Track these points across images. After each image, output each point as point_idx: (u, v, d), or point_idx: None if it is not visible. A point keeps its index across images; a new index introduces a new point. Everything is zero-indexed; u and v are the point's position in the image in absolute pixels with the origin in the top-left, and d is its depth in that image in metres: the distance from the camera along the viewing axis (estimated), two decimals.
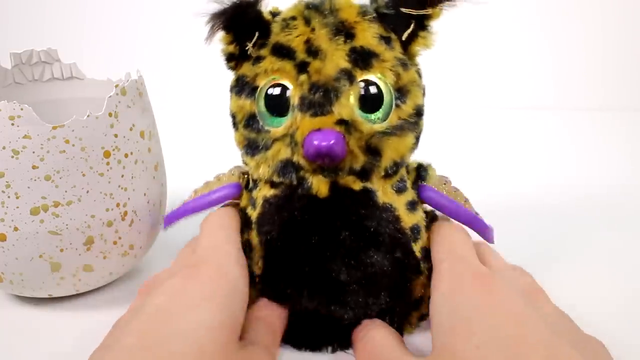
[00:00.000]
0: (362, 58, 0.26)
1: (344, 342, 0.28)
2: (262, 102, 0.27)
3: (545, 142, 0.75)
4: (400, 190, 0.28)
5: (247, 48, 0.28)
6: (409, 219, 0.28)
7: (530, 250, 0.39)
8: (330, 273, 0.26)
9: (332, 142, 0.24)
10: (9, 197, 0.28)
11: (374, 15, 0.27)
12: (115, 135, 0.31)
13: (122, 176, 0.31)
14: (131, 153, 0.32)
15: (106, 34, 1.00)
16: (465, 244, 0.27)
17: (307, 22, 0.27)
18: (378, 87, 0.26)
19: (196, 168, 0.63)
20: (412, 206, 0.28)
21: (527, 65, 0.91)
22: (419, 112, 0.28)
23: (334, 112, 0.25)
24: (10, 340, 0.31)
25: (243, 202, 0.30)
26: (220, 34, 0.28)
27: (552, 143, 0.75)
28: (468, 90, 0.92)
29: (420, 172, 0.30)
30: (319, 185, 0.27)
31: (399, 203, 0.28)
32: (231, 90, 0.29)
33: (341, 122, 0.25)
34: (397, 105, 0.27)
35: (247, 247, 0.28)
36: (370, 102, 0.26)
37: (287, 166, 0.27)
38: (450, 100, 0.91)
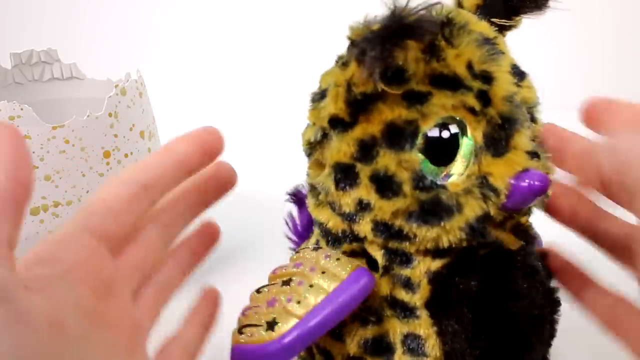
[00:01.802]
0: (519, 78, 0.23)
1: None
2: (424, 150, 0.21)
3: None
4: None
5: (377, 84, 0.20)
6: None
7: None
8: (526, 336, 0.21)
9: (543, 180, 0.20)
10: None
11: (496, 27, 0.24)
12: (115, 136, 0.31)
13: None
14: (131, 153, 0.32)
15: (106, 34, 1.00)
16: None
17: (449, 42, 0.21)
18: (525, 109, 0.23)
19: None
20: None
21: (527, 65, 0.90)
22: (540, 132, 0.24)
23: (517, 146, 0.21)
24: None
25: (383, 288, 0.22)
26: (363, 68, 0.19)
27: None
28: None
29: None
30: (506, 236, 0.22)
31: (532, 225, 0.25)
32: (376, 144, 0.21)
33: (531, 155, 0.21)
34: (529, 127, 0.23)
35: (407, 342, 0.22)
36: (528, 126, 0.22)
37: (483, 223, 0.21)
38: None
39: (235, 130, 0.88)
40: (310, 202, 0.24)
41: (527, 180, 0.20)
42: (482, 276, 0.21)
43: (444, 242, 0.21)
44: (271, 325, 0.20)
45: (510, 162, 0.21)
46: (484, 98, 0.21)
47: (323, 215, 0.23)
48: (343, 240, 0.23)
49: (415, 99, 0.21)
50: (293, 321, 0.20)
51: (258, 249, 0.42)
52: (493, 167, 0.21)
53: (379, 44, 0.19)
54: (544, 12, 0.25)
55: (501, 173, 0.21)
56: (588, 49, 0.92)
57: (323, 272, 0.21)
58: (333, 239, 0.23)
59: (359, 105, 0.21)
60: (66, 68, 0.41)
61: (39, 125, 0.28)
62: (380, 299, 0.22)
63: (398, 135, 0.21)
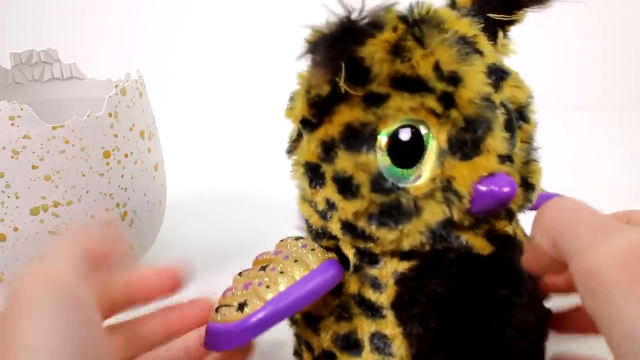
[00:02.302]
0: (497, 78, 0.22)
1: None
2: (386, 153, 0.21)
3: (544, 142, 0.76)
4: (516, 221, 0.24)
5: (339, 85, 0.20)
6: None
7: None
8: (499, 340, 0.21)
9: (509, 186, 0.20)
10: (8, 197, 0.28)
11: (480, 24, 0.23)
12: (115, 136, 0.31)
13: (122, 176, 0.31)
14: (131, 153, 0.32)
15: (106, 34, 1.00)
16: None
17: (420, 42, 0.21)
18: (509, 109, 0.22)
19: (196, 168, 0.63)
20: (525, 234, 0.24)
21: (528, 65, 0.90)
22: (536, 131, 0.24)
23: (489, 149, 0.20)
24: None
25: (352, 286, 0.23)
26: (315, 71, 0.20)
27: (551, 143, 0.75)
28: None
29: None
30: (477, 241, 0.21)
31: (521, 235, 0.24)
32: (334, 145, 0.21)
33: (503, 159, 0.20)
34: (519, 127, 0.23)
35: (374, 341, 0.22)
36: (511, 128, 0.22)
37: (446, 227, 0.21)
38: None
39: (236, 130, 0.88)
40: (297, 197, 0.24)
41: (490, 186, 0.20)
42: (449, 280, 0.21)
43: (405, 246, 0.21)
44: (241, 306, 0.21)
45: (476, 166, 0.20)
46: (448, 100, 0.20)
47: (306, 211, 0.23)
48: (322, 236, 0.23)
49: (373, 101, 0.21)
50: (259, 304, 0.21)
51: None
52: (457, 170, 0.20)
53: (324, 48, 0.18)
54: (547, 6, 0.24)
55: (465, 177, 0.20)
56: (588, 49, 0.91)
57: (296, 261, 0.22)
58: (314, 234, 0.24)
59: (322, 107, 0.21)
60: (66, 68, 0.41)
61: (39, 125, 0.28)
62: (349, 297, 0.22)
63: (355, 138, 0.21)
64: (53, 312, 0.17)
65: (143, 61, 0.91)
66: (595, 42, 0.90)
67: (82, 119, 0.29)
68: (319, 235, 0.23)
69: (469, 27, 0.22)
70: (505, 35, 0.24)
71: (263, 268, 0.23)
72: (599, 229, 0.17)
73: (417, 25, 0.21)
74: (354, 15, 0.18)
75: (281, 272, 0.22)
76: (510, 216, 0.22)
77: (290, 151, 0.24)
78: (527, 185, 0.22)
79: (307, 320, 0.24)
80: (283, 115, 0.24)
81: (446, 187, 0.20)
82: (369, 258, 0.22)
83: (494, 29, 0.24)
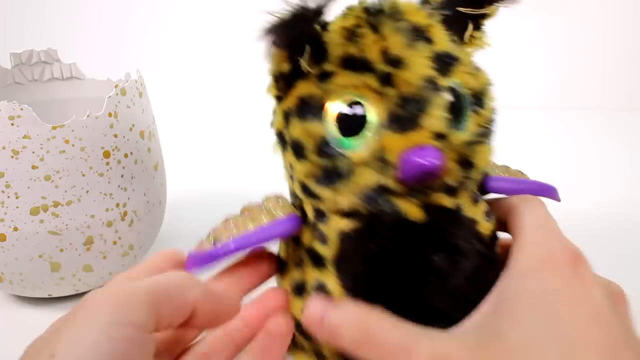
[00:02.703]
0: (444, 63, 0.24)
1: None
2: (333, 123, 0.24)
3: (544, 142, 0.75)
4: (476, 201, 0.26)
5: (299, 64, 0.24)
6: (488, 228, 0.26)
7: None
8: (428, 304, 0.23)
9: (436, 159, 0.22)
10: (8, 197, 0.28)
11: (440, 16, 0.25)
12: (115, 136, 0.31)
13: (122, 176, 0.31)
14: (131, 153, 0.32)
15: (106, 34, 1.00)
16: (549, 217, 0.24)
17: (374, 28, 0.24)
18: (460, 93, 0.24)
19: (196, 168, 0.63)
20: (488, 215, 0.26)
21: (527, 65, 0.91)
22: (494, 116, 0.26)
23: (425, 125, 0.23)
24: (10, 340, 0.31)
25: (306, 238, 0.26)
26: (274, 51, 0.24)
27: (551, 143, 0.75)
28: None
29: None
30: (410, 208, 0.24)
31: (479, 214, 0.26)
32: (289, 114, 0.25)
33: (436, 135, 0.23)
34: (475, 112, 0.25)
35: (317, 288, 0.25)
36: (455, 110, 0.24)
37: (377, 192, 0.23)
38: None
39: (235, 129, 0.88)
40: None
41: (414, 157, 0.22)
42: (383, 242, 0.24)
43: (342, 205, 0.24)
44: (215, 240, 0.25)
45: (407, 139, 0.23)
46: (387, 80, 0.23)
47: (285, 176, 0.27)
48: (293, 196, 0.27)
49: (323, 78, 0.24)
50: (226, 239, 0.25)
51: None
52: (391, 142, 0.23)
53: (280, 31, 0.22)
54: (516, 1, 0.26)
55: (396, 148, 0.23)
56: (588, 49, 0.92)
57: (267, 211, 0.26)
58: (290, 194, 0.28)
59: (286, 83, 0.25)
60: (66, 68, 0.41)
61: (39, 125, 0.28)
62: (303, 248, 0.26)
63: (305, 108, 0.24)
64: (97, 323, 0.17)
65: (143, 61, 0.91)
66: (595, 42, 0.91)
67: (82, 119, 0.29)
68: (291, 195, 0.27)
69: (425, 18, 0.25)
70: (478, 29, 0.27)
71: (242, 213, 0.27)
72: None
73: (375, 15, 0.24)
74: (303, 3, 0.22)
75: (252, 218, 0.26)
76: (449, 190, 0.24)
77: (271, 124, 0.27)
78: (466, 163, 0.24)
79: (280, 268, 0.28)
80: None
81: (380, 156, 0.23)
82: (321, 215, 0.26)
83: (465, 22, 0.26)
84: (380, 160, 0.23)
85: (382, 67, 0.23)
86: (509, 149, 0.73)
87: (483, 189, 0.28)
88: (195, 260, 0.25)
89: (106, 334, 0.17)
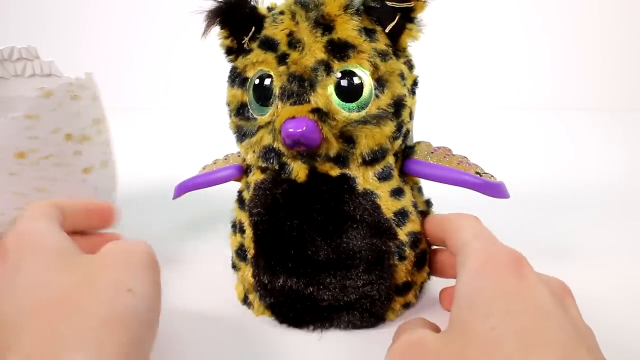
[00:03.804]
0: (339, 49, 0.28)
1: (325, 323, 0.29)
2: (251, 92, 0.30)
3: (544, 142, 0.75)
4: (384, 178, 0.29)
5: (243, 42, 0.30)
6: (393, 205, 0.29)
7: (529, 249, 0.39)
8: (308, 253, 0.27)
9: (303, 129, 0.26)
10: None
11: (359, 8, 0.29)
12: (34, 137, 0.31)
13: (41, 177, 0.32)
14: (51, 155, 0.32)
15: (95, 33, 1.02)
16: (484, 227, 0.27)
17: (293, 16, 0.29)
18: (358, 77, 0.28)
19: (166, 168, 0.64)
20: (397, 193, 0.29)
21: (527, 65, 0.93)
22: (398, 102, 0.29)
23: (311, 101, 0.27)
24: None
25: (242, 185, 0.33)
26: (217, 29, 0.30)
27: (551, 143, 0.75)
28: (468, 90, 0.94)
29: (406, 151, 0.31)
30: (299, 170, 0.28)
31: (382, 190, 0.29)
32: (227, 80, 0.31)
33: (315, 110, 0.27)
34: (377, 96, 0.28)
35: (239, 226, 0.31)
36: (347, 92, 0.28)
37: (269, 152, 0.28)
38: (451, 100, 0.93)
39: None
40: None
41: (286, 125, 0.26)
42: (276, 194, 0.29)
43: (249, 159, 0.30)
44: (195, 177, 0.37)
45: (291, 111, 0.27)
46: (282, 59, 0.28)
47: None
48: None
49: (245, 54, 0.30)
50: (189, 177, 0.37)
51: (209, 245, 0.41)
52: (282, 112, 0.27)
53: (216, 15, 0.30)
54: None
55: (281, 117, 0.27)
56: (588, 49, 0.91)
57: (225, 159, 0.36)
58: None
59: (235, 55, 0.31)
60: (45, 65, 0.42)
61: None
62: (239, 193, 0.33)
63: (231, 76, 0.31)
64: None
65: (142, 62, 0.93)
66: (595, 42, 0.91)
67: None
68: None
69: (337, 9, 0.28)
70: (412, 21, 0.29)
71: (214, 161, 0.37)
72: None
73: (296, 4, 0.29)
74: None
75: (214, 163, 0.36)
76: (335, 160, 0.28)
77: None
78: (346, 138, 0.28)
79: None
80: None
81: (273, 123, 0.28)
82: (249, 168, 0.32)
83: (393, 15, 0.29)
84: (272, 126, 0.28)
85: (284, 48, 0.28)
86: (509, 149, 0.72)
87: (403, 170, 0.31)
88: (178, 188, 0.37)
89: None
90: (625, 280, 0.36)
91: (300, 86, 0.27)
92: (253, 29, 0.30)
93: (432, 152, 0.31)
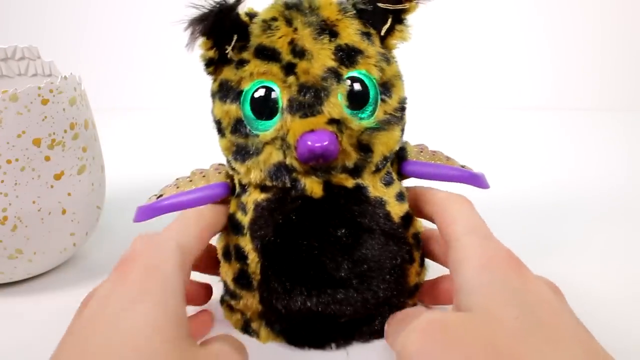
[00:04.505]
0: (348, 55, 0.27)
1: (348, 338, 0.29)
2: (247, 106, 0.27)
3: (544, 142, 0.75)
4: (388, 183, 0.29)
5: (226, 52, 0.27)
6: (400, 209, 0.28)
7: (528, 249, 0.36)
8: (327, 271, 0.26)
9: (326, 142, 0.24)
10: None
11: (354, 11, 0.28)
12: None
13: (2, 182, 0.31)
14: (16, 160, 0.31)
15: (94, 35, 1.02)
16: (479, 219, 0.26)
17: (289, 22, 0.27)
18: (364, 83, 0.27)
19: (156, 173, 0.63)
20: (400, 197, 0.29)
21: (527, 65, 0.92)
22: (403, 105, 0.28)
23: (324, 112, 0.25)
24: None
25: (232, 207, 0.30)
26: (200, 40, 0.27)
27: (551, 143, 0.74)
28: (468, 91, 0.93)
29: (400, 154, 0.31)
30: (313, 185, 0.27)
31: (389, 195, 0.28)
32: (214, 95, 0.29)
33: (332, 121, 0.25)
34: (383, 100, 0.27)
35: (237, 252, 0.28)
36: (357, 99, 0.27)
37: (280, 169, 0.27)
38: (451, 101, 0.93)
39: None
40: None
41: (307, 140, 0.25)
42: (289, 213, 0.26)
43: (252, 179, 0.27)
44: (159, 197, 0.31)
45: (305, 124, 0.25)
46: (290, 69, 0.26)
47: None
48: (231, 169, 0.30)
49: (239, 65, 0.27)
50: (164, 196, 0.30)
51: None
52: (293, 125, 0.25)
53: (188, 26, 0.26)
54: None
55: (295, 131, 0.25)
56: (588, 49, 0.90)
57: (203, 176, 0.31)
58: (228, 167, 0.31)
59: (215, 66, 0.28)
60: (46, 65, 0.43)
61: None
62: (230, 217, 0.29)
63: (224, 91, 0.28)
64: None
65: (140, 63, 0.93)
66: (595, 42, 0.90)
67: None
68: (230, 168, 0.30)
69: (336, 13, 0.27)
70: (402, 22, 0.28)
71: (191, 176, 0.32)
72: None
73: (290, 9, 0.27)
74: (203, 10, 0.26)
75: (190, 181, 0.31)
76: (350, 171, 0.27)
77: None
78: (364, 147, 0.27)
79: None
80: None
81: (283, 138, 0.26)
82: (243, 188, 0.29)
83: (385, 17, 0.28)
84: (283, 142, 0.26)
85: (288, 57, 0.26)
86: (508, 149, 0.70)
87: (401, 172, 0.31)
88: (142, 211, 0.30)
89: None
90: (624, 279, 0.36)
91: (312, 97, 0.26)
92: (235, 37, 0.27)
93: (421, 152, 0.31)
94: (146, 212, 0.30)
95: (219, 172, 0.31)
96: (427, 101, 0.89)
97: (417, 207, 0.30)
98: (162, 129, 0.87)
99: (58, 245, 0.36)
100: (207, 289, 0.32)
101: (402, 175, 0.31)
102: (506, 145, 0.73)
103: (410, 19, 0.28)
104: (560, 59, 0.91)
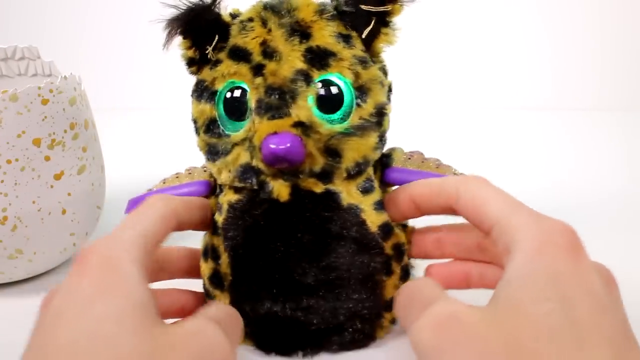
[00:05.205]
0: (319, 58, 0.26)
1: (315, 348, 0.28)
2: (221, 106, 0.27)
3: (544, 142, 0.75)
4: (366, 191, 0.28)
5: (207, 52, 0.27)
6: (377, 218, 0.27)
7: None
8: (294, 277, 0.26)
9: (288, 145, 0.24)
10: None
11: (333, 13, 0.27)
12: None
13: (2, 182, 0.31)
14: (16, 160, 0.31)
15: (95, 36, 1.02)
16: (513, 198, 0.24)
17: (264, 23, 0.27)
18: (338, 87, 0.26)
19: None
20: (380, 205, 0.28)
21: (527, 65, 0.92)
22: (380, 111, 0.27)
23: (292, 114, 0.25)
24: None
25: (212, 207, 0.30)
26: (179, 39, 0.27)
27: (551, 143, 0.74)
28: (468, 91, 0.93)
29: (384, 160, 0.30)
30: (280, 189, 0.26)
31: (366, 203, 0.27)
32: (192, 95, 0.29)
33: (298, 124, 0.25)
34: (358, 105, 0.26)
35: (212, 252, 0.28)
36: (329, 102, 0.26)
37: (247, 171, 0.26)
38: (451, 101, 0.92)
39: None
40: None
41: (268, 142, 0.24)
42: (257, 216, 0.26)
43: (223, 179, 0.27)
44: (150, 190, 0.32)
45: (271, 126, 0.25)
46: (258, 70, 0.26)
47: None
48: None
49: (213, 65, 0.27)
50: (153, 190, 0.32)
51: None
52: (260, 127, 0.25)
53: (165, 25, 0.27)
54: None
55: (261, 133, 0.25)
56: (588, 49, 0.89)
57: (189, 174, 0.32)
58: None
59: (197, 66, 0.28)
60: (46, 65, 0.43)
61: None
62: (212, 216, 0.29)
63: (198, 91, 0.28)
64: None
65: (139, 64, 0.92)
66: (595, 42, 0.90)
67: None
68: None
69: (312, 14, 0.27)
70: (387, 25, 0.27)
71: (175, 175, 0.33)
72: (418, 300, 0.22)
73: (266, 10, 0.27)
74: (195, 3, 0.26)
75: (177, 177, 0.32)
76: (319, 176, 0.26)
77: None
78: (331, 151, 0.26)
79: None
80: None
81: (251, 139, 0.26)
82: (220, 189, 0.29)
83: (368, 19, 0.27)
84: (250, 143, 0.26)
85: (258, 58, 0.26)
86: (508, 149, 0.70)
87: (384, 180, 0.29)
88: (132, 202, 0.32)
89: None
90: (624, 280, 0.37)
91: (279, 99, 0.25)
92: (217, 37, 0.27)
93: (408, 159, 0.30)
94: (131, 204, 0.32)
95: (205, 171, 0.32)
96: (427, 101, 0.88)
97: (425, 203, 0.27)
98: (162, 129, 0.87)
99: (58, 245, 0.36)
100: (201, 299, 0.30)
101: (386, 184, 0.30)
102: (506, 145, 0.73)
103: (398, 21, 0.28)
104: (560, 59, 0.91)
